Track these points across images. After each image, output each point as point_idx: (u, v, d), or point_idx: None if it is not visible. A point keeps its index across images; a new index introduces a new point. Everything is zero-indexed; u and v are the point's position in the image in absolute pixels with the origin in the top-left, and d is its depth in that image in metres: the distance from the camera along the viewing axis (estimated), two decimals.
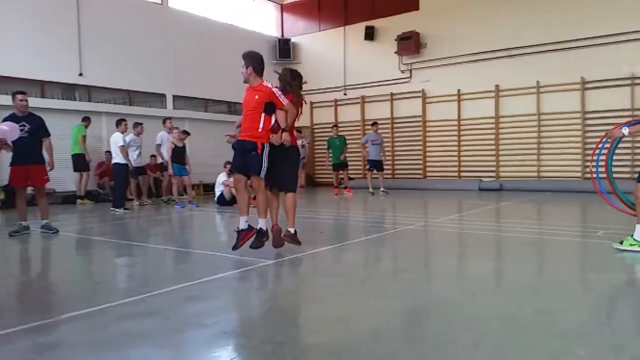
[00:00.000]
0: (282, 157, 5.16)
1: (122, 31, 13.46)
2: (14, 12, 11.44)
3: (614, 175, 5.81)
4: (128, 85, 13.72)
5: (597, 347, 2.68)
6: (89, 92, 13.02)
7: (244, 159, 5.04)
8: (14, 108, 6.85)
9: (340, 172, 13.62)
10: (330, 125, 17.04)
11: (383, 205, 11.06)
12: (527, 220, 8.24)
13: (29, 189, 7.17)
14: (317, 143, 17.95)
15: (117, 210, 9.69)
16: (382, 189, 13.29)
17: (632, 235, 4.92)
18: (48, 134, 7.01)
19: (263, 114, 4.95)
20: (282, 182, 5.36)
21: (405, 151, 16.02)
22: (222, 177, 10.81)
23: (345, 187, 13.53)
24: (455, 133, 14.99)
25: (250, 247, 5.09)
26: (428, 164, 15.65)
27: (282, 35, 18.52)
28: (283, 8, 18.73)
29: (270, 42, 18.04)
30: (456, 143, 15.01)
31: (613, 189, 5.74)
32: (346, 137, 13.87)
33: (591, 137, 12.67)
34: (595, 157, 5.95)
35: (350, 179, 14.34)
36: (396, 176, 16.05)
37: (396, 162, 16.08)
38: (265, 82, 5.06)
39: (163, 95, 14.61)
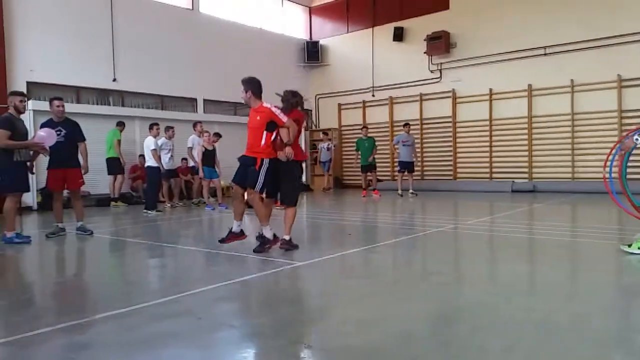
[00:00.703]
0: (284, 172, 5.57)
1: (154, 37, 13.74)
2: (51, 21, 11.83)
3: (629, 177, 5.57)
4: (160, 90, 14.00)
5: (631, 353, 2.60)
6: (122, 97, 13.34)
7: (244, 172, 5.51)
8: (51, 113, 7.07)
9: (369, 173, 13.56)
10: (359, 127, 17.10)
11: (412, 207, 10.96)
12: (561, 223, 8.05)
13: (65, 192, 7.38)
14: (345, 145, 17.92)
15: (150, 212, 9.88)
16: (411, 191, 13.18)
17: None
18: (83, 139, 7.20)
19: (265, 132, 5.42)
20: (283, 196, 5.74)
21: (435, 152, 15.84)
22: None
23: (374, 189, 13.46)
24: (487, 133, 14.75)
25: (257, 251, 5.43)
26: (459, 165, 15.44)
27: (311, 38, 18.59)
28: (311, 11, 18.80)
29: (298, 44, 18.13)
30: (488, 144, 14.76)
31: (625, 193, 5.55)
32: (375, 139, 13.80)
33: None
34: (609, 162, 5.77)
35: (378, 180, 14.26)
36: (425, 177, 15.89)
37: (425, 163, 15.92)
38: (264, 103, 5.55)
39: (194, 100, 14.85)
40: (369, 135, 13.75)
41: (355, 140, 14.04)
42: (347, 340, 2.85)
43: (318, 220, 9.24)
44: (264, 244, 5.47)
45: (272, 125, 5.45)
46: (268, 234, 5.50)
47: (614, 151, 5.64)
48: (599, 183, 12.72)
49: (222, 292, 3.92)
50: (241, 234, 5.73)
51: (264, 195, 5.66)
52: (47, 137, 6.61)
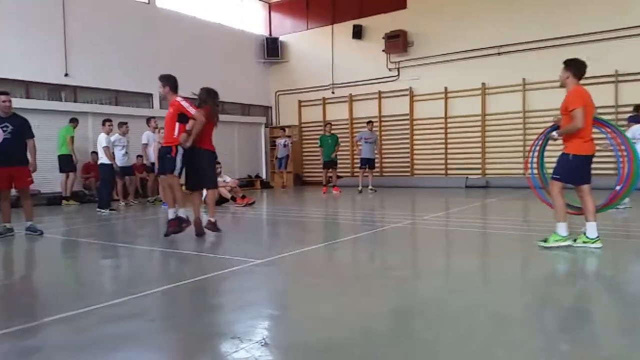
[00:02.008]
0: (200, 161, 6.25)
1: (108, 31, 13.34)
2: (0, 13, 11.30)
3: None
4: (114, 85, 13.61)
5: (578, 342, 2.72)
6: (75, 92, 12.89)
7: (164, 161, 6.17)
8: None
9: (330, 170, 13.66)
10: (319, 124, 17.16)
11: (371, 203, 11.08)
12: (512, 217, 8.32)
13: (13, 191, 7.08)
14: (305, 141, 17.93)
15: (103, 211, 9.61)
16: (370, 187, 13.34)
17: (555, 232, 5.08)
18: (32, 135, 6.91)
19: (177, 123, 6.02)
20: (203, 181, 6.45)
21: (393, 149, 16.07)
22: None
23: (334, 186, 13.56)
24: (442, 131, 15.06)
25: (172, 232, 6.05)
26: (415, 161, 15.72)
27: (270, 34, 18.47)
28: (271, 7, 18.69)
29: (258, 40, 18.00)
30: (443, 141, 15.08)
31: (544, 186, 5.85)
32: (337, 136, 13.91)
33: None
34: (530, 155, 6.16)
35: (338, 177, 14.37)
36: (384, 174, 16.09)
37: (384, 160, 16.11)
38: (177, 97, 6.14)
39: (150, 95, 14.51)
40: (332, 132, 13.83)
41: (318, 137, 14.07)
42: (304, 337, 2.85)
43: (277, 218, 9.22)
44: (180, 224, 6.07)
45: (184, 117, 6.02)
46: (183, 214, 6.12)
47: (533, 147, 5.97)
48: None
49: (178, 292, 3.86)
50: (176, 220, 6.14)
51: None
52: None
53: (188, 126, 6.04)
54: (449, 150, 15.04)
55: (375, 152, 13.72)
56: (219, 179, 10.71)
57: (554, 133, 5.24)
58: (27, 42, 11.70)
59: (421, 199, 11.94)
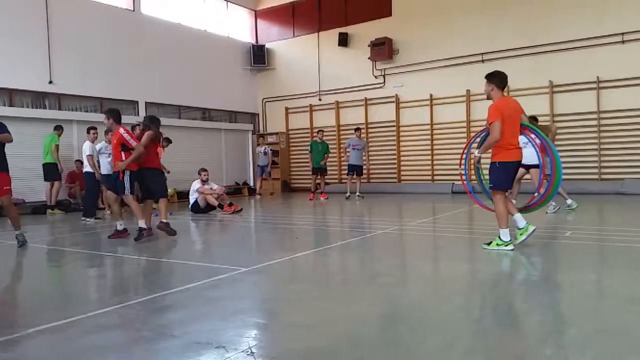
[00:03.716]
0: (147, 178, 7.24)
1: (93, 38, 13.26)
2: None
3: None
4: (99, 92, 13.51)
5: (561, 346, 2.76)
6: (59, 100, 12.78)
7: (114, 184, 7.27)
8: None
9: (318, 177, 13.71)
10: (306, 131, 17.20)
11: (359, 210, 11.12)
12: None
13: None
14: (292, 148, 17.94)
15: (89, 219, 9.51)
16: (357, 194, 13.39)
17: (499, 237, 5.42)
18: (4, 131, 6.46)
19: (122, 152, 6.95)
20: (153, 194, 7.42)
21: (380, 155, 16.14)
22: (196, 185, 10.72)
23: (322, 192, 13.60)
24: (428, 137, 15.17)
25: (135, 239, 6.80)
26: (402, 168, 15.80)
27: (257, 42, 18.49)
28: (257, 14, 18.72)
29: (244, 48, 18.01)
30: (429, 147, 15.19)
31: (483, 190, 6.29)
32: (328, 145, 14.01)
33: (563, 139, 12.95)
34: (463, 161, 6.85)
35: (326, 184, 14.41)
36: (371, 180, 16.14)
37: (371, 167, 16.16)
38: (120, 129, 7.00)
39: (135, 102, 14.44)
40: (324, 140, 13.92)
41: (305, 144, 14.13)
42: (290, 345, 2.86)
43: (265, 225, 9.21)
44: (141, 234, 6.84)
45: (126, 146, 6.98)
46: (144, 225, 6.90)
47: (465, 151, 6.56)
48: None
49: (164, 301, 3.84)
50: (124, 232, 7.22)
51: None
52: None
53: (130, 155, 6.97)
54: (435, 157, 15.14)
55: (364, 158, 13.79)
56: (206, 186, 10.70)
57: (476, 153, 5.65)
58: (10, 49, 11.59)
59: (408, 205, 12.00)
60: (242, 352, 2.71)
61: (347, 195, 13.32)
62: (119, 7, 14.19)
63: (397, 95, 15.61)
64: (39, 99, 12.41)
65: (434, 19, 14.83)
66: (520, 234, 5.49)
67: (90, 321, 3.36)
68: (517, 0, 13.60)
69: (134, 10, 14.50)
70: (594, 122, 12.70)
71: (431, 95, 15.00)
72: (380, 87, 15.92)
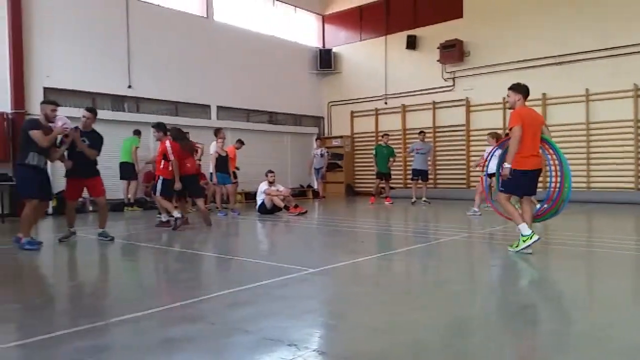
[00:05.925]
0: (185, 183, 8.60)
1: (169, 44, 13.88)
2: (68, 28, 11.98)
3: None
4: (174, 96, 14.12)
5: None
6: (137, 103, 13.47)
7: (154, 185, 8.76)
8: (79, 123, 7.08)
9: (383, 181, 13.57)
10: (371, 134, 17.12)
11: (425, 216, 10.91)
12: (577, 232, 7.96)
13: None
14: (357, 152, 17.91)
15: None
16: (424, 199, 13.12)
17: (521, 234, 5.50)
18: (99, 153, 7.14)
19: (163, 160, 8.41)
20: (192, 194, 9.23)
21: (448, 160, 15.77)
22: (263, 186, 10.93)
23: (386, 197, 13.45)
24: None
25: (172, 229, 8.06)
26: (472, 173, 15.34)
27: (324, 46, 18.65)
28: (324, 19, 18.88)
29: (311, 52, 18.20)
30: None
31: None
32: (394, 149, 13.84)
33: None
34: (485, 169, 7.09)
35: (391, 188, 14.22)
36: (438, 186, 15.80)
37: (438, 172, 15.84)
38: (166, 141, 8.38)
39: (208, 106, 14.95)
40: (389, 144, 13.75)
41: (370, 147, 14.02)
42: (358, 346, 2.84)
43: (329, 227, 9.23)
44: (175, 223, 8.17)
45: (166, 156, 8.32)
46: (178, 215, 8.20)
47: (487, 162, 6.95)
48: (614, 193, 12.61)
49: (236, 297, 3.93)
50: (182, 218, 8.37)
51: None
52: (66, 121, 6.70)
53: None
54: None
55: (429, 163, 13.48)
56: (273, 188, 10.88)
57: (505, 165, 5.62)
58: (92, 55, 12.33)
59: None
60: (314, 351, 2.72)
61: (413, 200, 13.09)
62: (194, 15, 14.77)
63: (467, 98, 15.20)
64: (118, 102, 13.13)
65: (506, 20, 14.32)
66: (524, 241, 5.53)
67: (167, 314, 3.50)
68: (593, 2, 12.88)
69: (207, 17, 15.04)
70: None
71: (504, 99, 14.46)
72: (450, 90, 15.56)
